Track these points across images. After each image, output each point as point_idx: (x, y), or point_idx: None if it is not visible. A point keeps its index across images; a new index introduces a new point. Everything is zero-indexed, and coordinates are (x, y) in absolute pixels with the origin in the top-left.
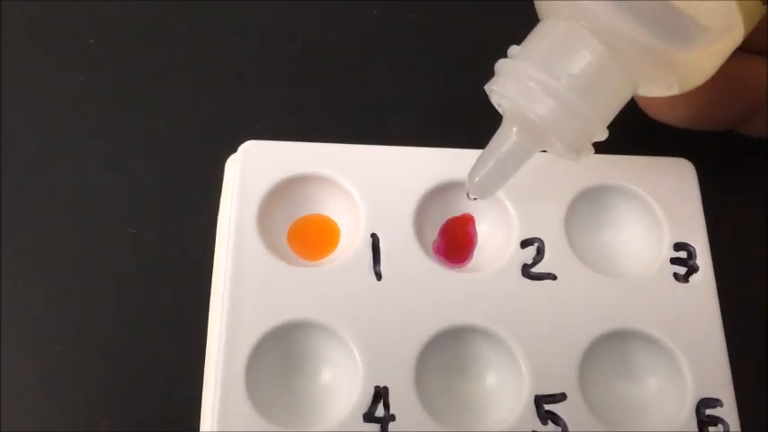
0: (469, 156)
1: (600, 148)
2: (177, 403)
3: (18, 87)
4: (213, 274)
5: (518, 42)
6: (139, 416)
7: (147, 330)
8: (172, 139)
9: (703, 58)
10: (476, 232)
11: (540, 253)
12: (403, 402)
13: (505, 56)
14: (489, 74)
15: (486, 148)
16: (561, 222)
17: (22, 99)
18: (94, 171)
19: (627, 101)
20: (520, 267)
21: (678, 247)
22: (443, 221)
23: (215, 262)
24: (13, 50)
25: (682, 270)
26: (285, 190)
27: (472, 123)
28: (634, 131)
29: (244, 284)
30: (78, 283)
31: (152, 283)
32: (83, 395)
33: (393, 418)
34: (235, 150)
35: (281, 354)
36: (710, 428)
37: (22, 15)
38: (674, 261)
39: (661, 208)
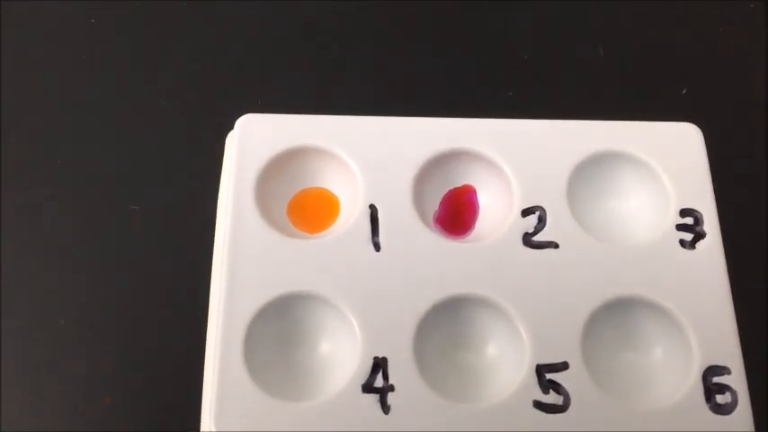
0: (469, 125)
1: (603, 113)
2: (180, 375)
3: (20, 66)
4: (214, 249)
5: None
6: (143, 391)
7: (151, 305)
8: (173, 116)
9: None
10: (477, 202)
11: (541, 221)
12: (402, 373)
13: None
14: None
15: None
16: (563, 190)
17: (24, 77)
18: (96, 149)
19: None
20: (521, 236)
21: (684, 213)
22: (444, 191)
23: (215, 236)
24: (16, 29)
25: (688, 236)
26: (284, 162)
27: (472, 93)
28: (639, 96)
29: (242, 257)
30: (81, 259)
31: (154, 259)
32: (86, 370)
33: (392, 388)
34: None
35: (280, 325)
36: (718, 396)
37: None
38: (680, 227)
39: (667, 174)
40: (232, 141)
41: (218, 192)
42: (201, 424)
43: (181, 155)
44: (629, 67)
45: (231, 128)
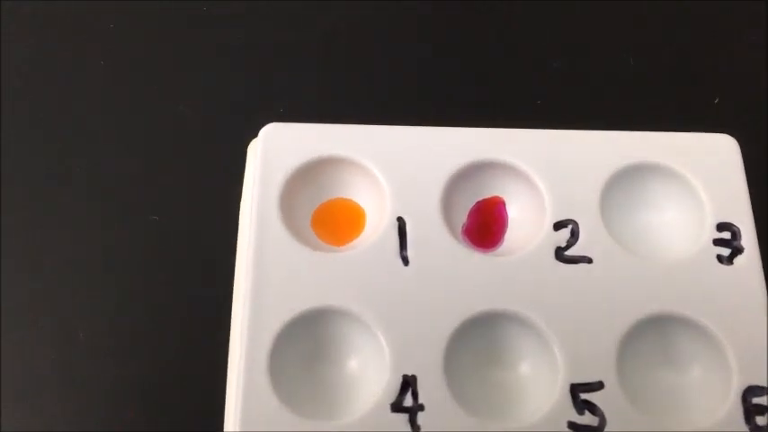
0: (498, 136)
1: (638, 124)
2: (203, 390)
3: (39, 73)
4: (236, 261)
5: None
6: (165, 403)
7: (173, 317)
8: (195, 125)
9: None
10: (507, 214)
11: (574, 235)
12: (432, 391)
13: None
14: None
15: None
16: (597, 203)
17: (43, 84)
18: (117, 158)
19: None
20: (553, 250)
21: (721, 227)
22: (472, 204)
23: (238, 248)
24: (35, 36)
25: (725, 251)
26: (308, 173)
27: (501, 103)
28: (675, 107)
29: (266, 270)
30: (103, 270)
31: (175, 271)
32: (108, 383)
33: (422, 407)
34: (257, 135)
35: (306, 341)
36: (758, 418)
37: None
38: (717, 242)
39: (703, 186)
40: (255, 150)
41: (240, 201)
42: None
43: (203, 164)
44: (660, 77)
45: (253, 136)
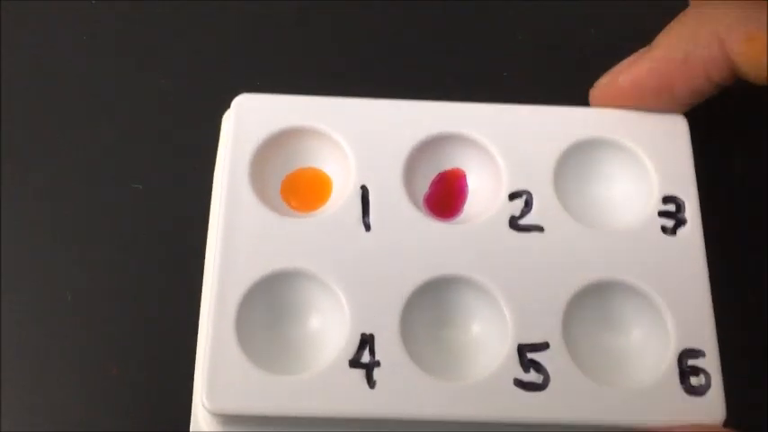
0: (460, 109)
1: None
2: (181, 348)
3: (17, 45)
4: (209, 225)
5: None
6: (147, 361)
7: (150, 280)
8: (171, 95)
9: None
10: (467, 186)
11: (528, 205)
12: (388, 349)
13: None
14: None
15: None
16: (550, 175)
17: (21, 57)
18: (95, 128)
19: None
20: (508, 219)
21: (667, 200)
22: (435, 175)
23: (210, 212)
24: (13, 8)
25: (670, 223)
26: (278, 142)
27: (467, 76)
28: None
29: (235, 234)
30: (85, 237)
31: (153, 236)
32: (93, 343)
33: (378, 364)
34: None
35: (271, 302)
36: (692, 378)
37: None
38: (662, 214)
39: (651, 161)
40: (228, 121)
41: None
42: (193, 395)
43: (179, 134)
44: (621, 51)
45: (229, 107)
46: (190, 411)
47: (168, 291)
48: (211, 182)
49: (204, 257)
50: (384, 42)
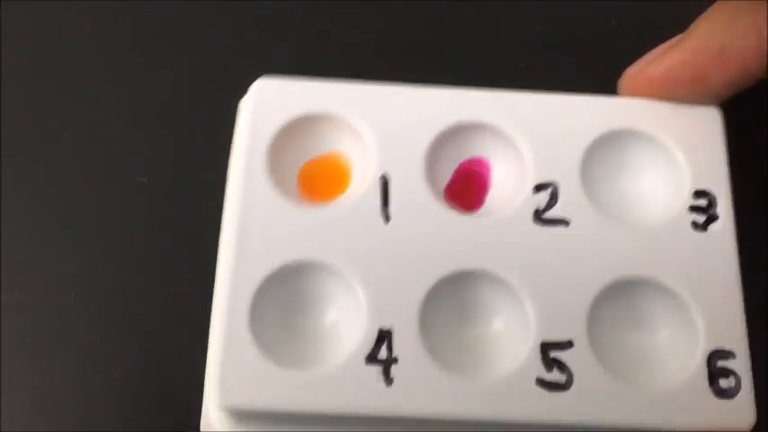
0: (486, 97)
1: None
2: (188, 345)
3: (22, 36)
4: (224, 214)
5: None
6: (148, 362)
7: (161, 275)
8: (185, 83)
9: None
10: (490, 177)
11: (553, 198)
12: (407, 345)
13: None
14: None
15: None
16: (577, 167)
17: (28, 48)
18: (106, 119)
19: None
20: (532, 212)
21: (698, 194)
22: (457, 164)
23: (225, 201)
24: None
25: (701, 218)
26: (297, 129)
27: (491, 64)
28: None
29: (251, 224)
30: (91, 232)
31: (165, 230)
32: (94, 343)
33: (396, 360)
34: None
35: (287, 294)
36: (721, 380)
37: None
38: (693, 209)
39: (683, 154)
40: (246, 106)
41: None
42: (204, 394)
43: (194, 121)
44: (645, 40)
45: (245, 93)
46: (193, 412)
47: (180, 286)
48: (223, 176)
49: (212, 256)
50: (407, 27)
